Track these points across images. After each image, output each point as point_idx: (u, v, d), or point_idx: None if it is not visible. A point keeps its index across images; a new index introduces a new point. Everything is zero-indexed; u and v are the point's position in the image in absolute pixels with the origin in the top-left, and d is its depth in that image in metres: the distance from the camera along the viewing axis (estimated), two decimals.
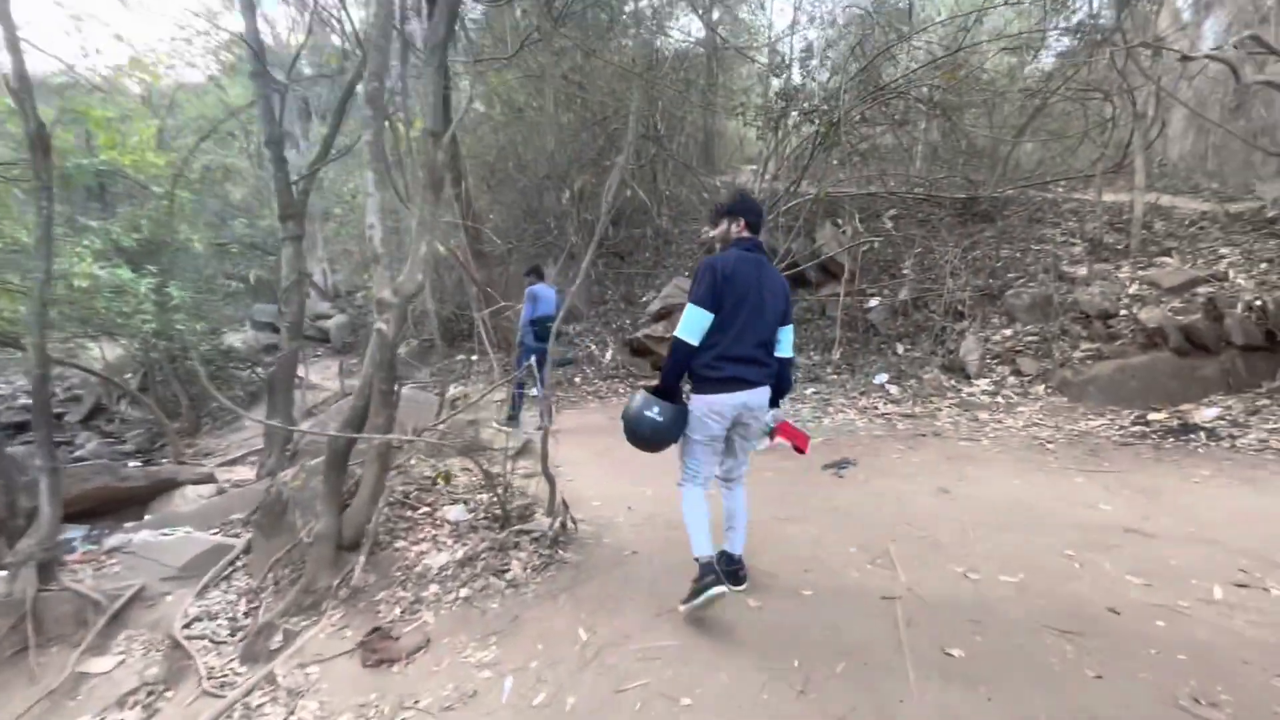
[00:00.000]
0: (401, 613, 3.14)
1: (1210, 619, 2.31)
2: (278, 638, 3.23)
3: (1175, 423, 4.60)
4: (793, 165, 8.80)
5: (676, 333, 2.40)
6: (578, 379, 8.06)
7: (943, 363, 6.47)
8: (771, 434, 2.71)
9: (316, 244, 15.01)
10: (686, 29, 13.75)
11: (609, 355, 8.33)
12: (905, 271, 7.89)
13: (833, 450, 4.82)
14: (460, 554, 3.54)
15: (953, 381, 6.17)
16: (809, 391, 6.54)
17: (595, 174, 8.58)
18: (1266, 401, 4.58)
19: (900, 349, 7.05)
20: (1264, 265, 5.58)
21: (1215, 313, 5.11)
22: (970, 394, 5.87)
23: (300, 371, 9.60)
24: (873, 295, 7.82)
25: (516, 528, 3.61)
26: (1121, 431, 4.65)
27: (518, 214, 10.40)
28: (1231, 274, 5.57)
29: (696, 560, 2.50)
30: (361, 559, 3.55)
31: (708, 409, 2.41)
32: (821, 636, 2.35)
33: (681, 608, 2.53)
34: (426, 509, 4.22)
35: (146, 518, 5.93)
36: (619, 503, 4.10)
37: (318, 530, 3.56)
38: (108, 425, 10.97)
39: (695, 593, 2.45)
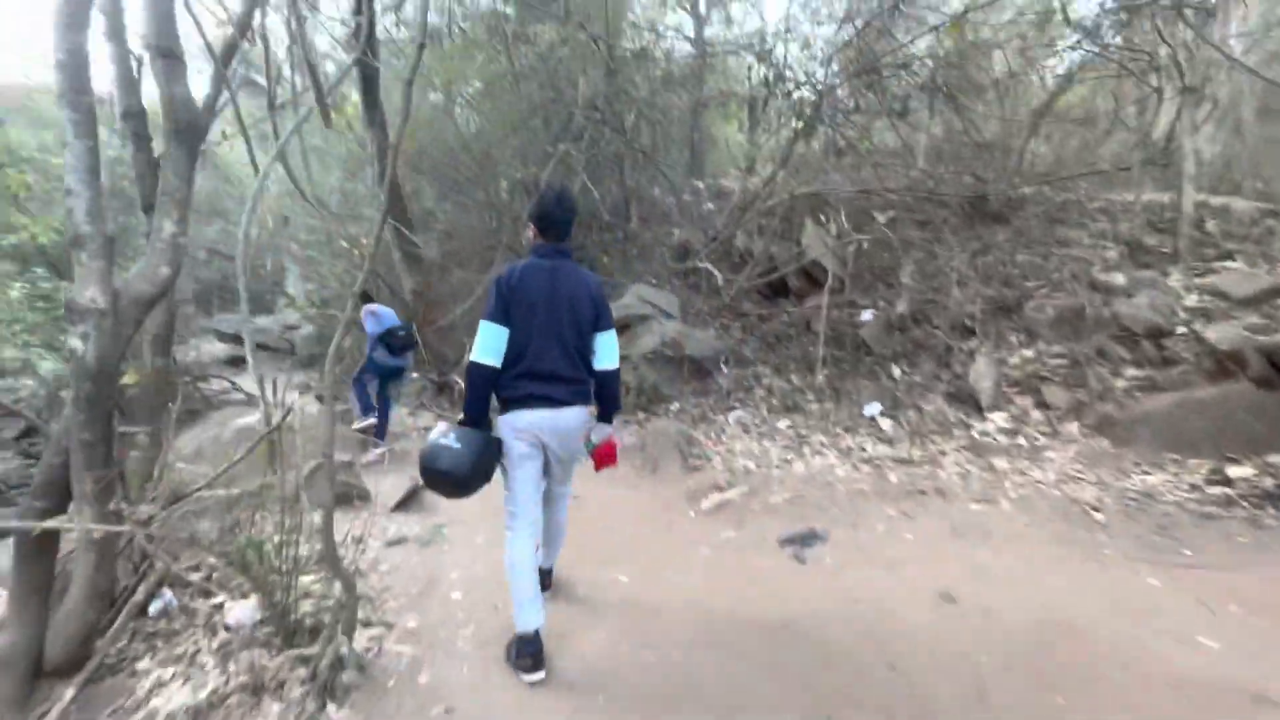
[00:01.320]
0: None
1: None
2: None
3: (1269, 482, 3.34)
4: (773, 158, 7.64)
5: (471, 355, 2.19)
6: None
7: (948, 390, 5.23)
8: (594, 456, 2.42)
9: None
10: (678, 28, 12.82)
11: None
12: (903, 280, 6.67)
13: (798, 513, 3.58)
14: (205, 692, 2.32)
15: (961, 415, 4.93)
16: (782, 425, 5.31)
17: (543, 166, 7.43)
18: None
19: (897, 372, 5.82)
20: None
21: None
22: (983, 432, 4.63)
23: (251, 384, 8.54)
24: (865, 307, 6.61)
25: (297, 652, 2.39)
26: (1196, 494, 3.40)
27: (474, 216, 9.27)
28: None
29: (518, 635, 2.26)
30: (69, 693, 2.34)
31: (510, 428, 2.22)
32: None
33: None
34: (223, 599, 3.00)
35: None
36: (488, 595, 2.88)
37: None
38: (33, 446, 9.81)
39: (514, 665, 2.28)
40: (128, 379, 2.23)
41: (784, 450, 4.82)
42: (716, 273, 6.88)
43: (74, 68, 2.24)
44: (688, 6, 12.71)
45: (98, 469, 2.32)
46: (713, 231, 7.94)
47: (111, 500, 2.40)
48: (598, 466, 2.45)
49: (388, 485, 5.05)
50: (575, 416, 2.25)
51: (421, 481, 2.24)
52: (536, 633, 2.22)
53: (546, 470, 2.36)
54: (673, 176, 9.12)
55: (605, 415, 2.44)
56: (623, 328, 6.86)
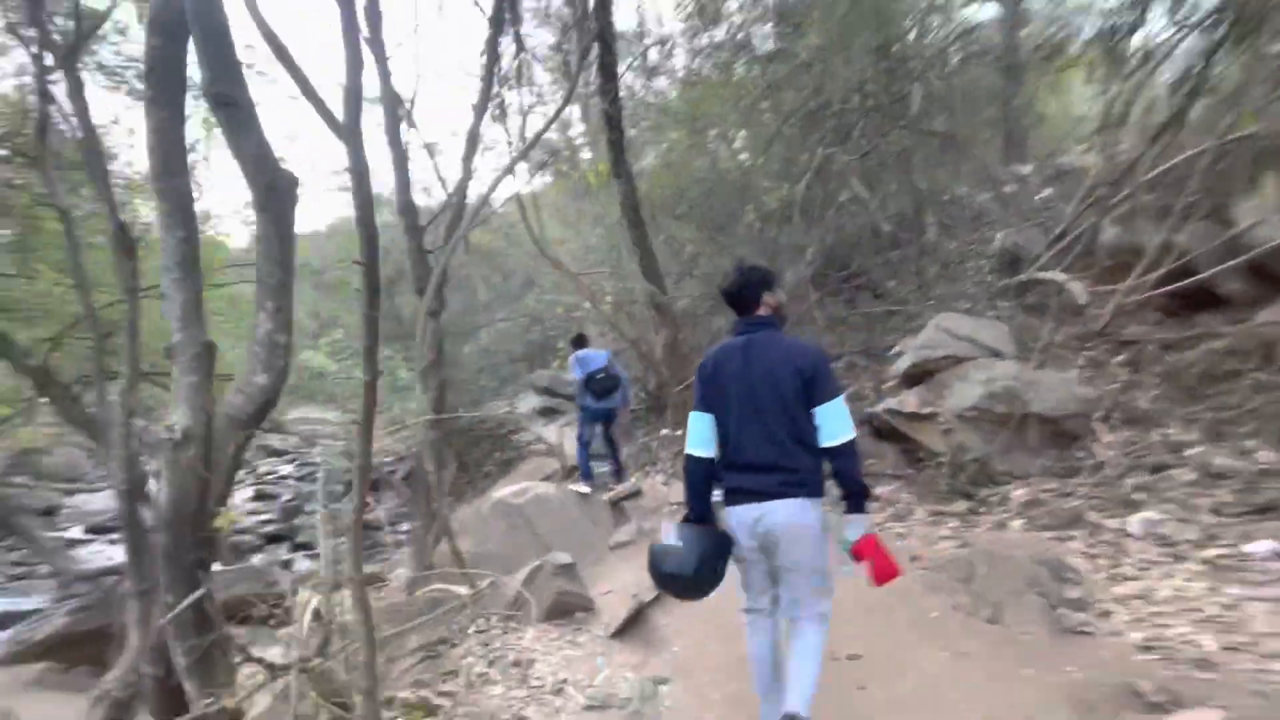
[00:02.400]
0: None
1: None
2: None
3: None
4: (1152, 108, 4.98)
5: (686, 447, 2.12)
6: None
7: None
8: (858, 557, 1.96)
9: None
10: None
11: None
12: None
13: None
14: None
15: None
16: (1259, 548, 2.89)
17: (810, 180, 6.09)
18: None
19: None
20: None
21: None
22: None
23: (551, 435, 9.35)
24: None
25: None
26: None
27: (731, 255, 8.43)
28: None
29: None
30: None
31: (730, 524, 2.09)
32: None
33: None
34: None
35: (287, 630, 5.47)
36: None
37: None
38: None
39: None
40: (220, 522, 1.68)
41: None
42: (1073, 285, 4.59)
43: (164, 148, 1.87)
44: None
45: (189, 639, 1.84)
46: (1059, 227, 5.53)
47: (216, 672, 1.90)
48: (877, 579, 1.97)
49: (627, 580, 4.24)
50: (786, 511, 1.96)
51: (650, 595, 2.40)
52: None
53: (774, 577, 2.09)
54: (985, 164, 6.86)
55: (853, 504, 2.01)
56: (921, 376, 5.04)
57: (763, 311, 2.12)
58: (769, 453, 1.97)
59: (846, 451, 1.96)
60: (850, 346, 6.49)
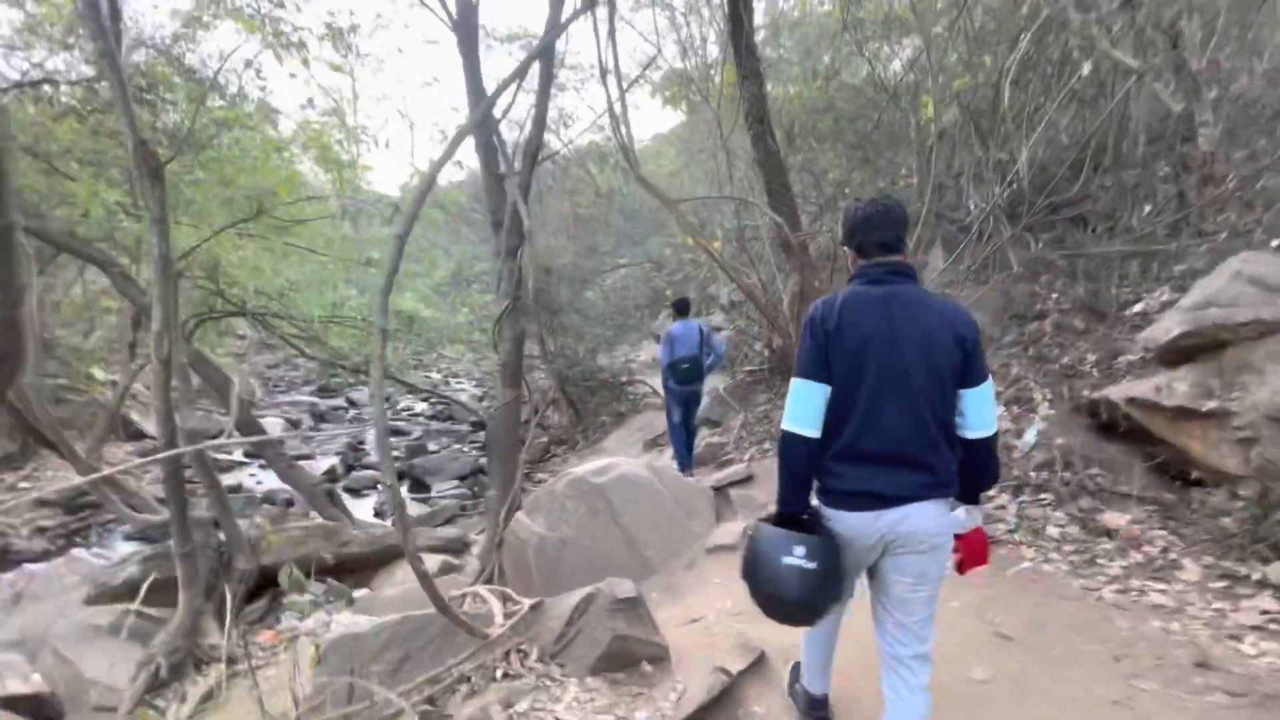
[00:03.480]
0: None
1: None
2: None
3: None
4: None
5: (783, 423, 1.64)
6: None
7: None
8: (960, 550, 1.72)
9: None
10: None
11: (1032, 435, 3.90)
12: None
13: None
14: None
15: None
16: None
17: (1027, 54, 4.19)
18: None
19: None
20: None
21: None
22: None
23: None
24: None
25: None
26: None
27: (887, 179, 6.68)
28: None
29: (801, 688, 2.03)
30: None
31: (838, 528, 1.63)
32: None
33: None
34: None
35: (360, 593, 5.14)
36: None
37: None
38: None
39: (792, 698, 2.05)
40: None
41: None
42: None
43: None
44: None
45: None
46: None
47: None
48: (963, 568, 1.74)
49: (720, 606, 3.17)
50: (928, 517, 1.57)
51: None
52: (820, 697, 1.99)
53: (888, 592, 1.67)
54: None
55: (972, 494, 1.68)
56: (1197, 350, 3.29)
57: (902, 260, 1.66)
58: (912, 444, 1.55)
59: (992, 446, 1.63)
60: (1060, 301, 4.66)
